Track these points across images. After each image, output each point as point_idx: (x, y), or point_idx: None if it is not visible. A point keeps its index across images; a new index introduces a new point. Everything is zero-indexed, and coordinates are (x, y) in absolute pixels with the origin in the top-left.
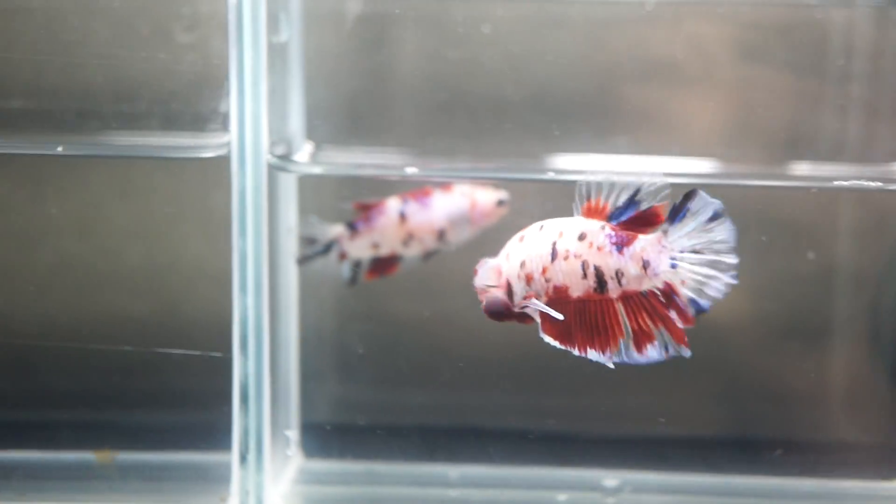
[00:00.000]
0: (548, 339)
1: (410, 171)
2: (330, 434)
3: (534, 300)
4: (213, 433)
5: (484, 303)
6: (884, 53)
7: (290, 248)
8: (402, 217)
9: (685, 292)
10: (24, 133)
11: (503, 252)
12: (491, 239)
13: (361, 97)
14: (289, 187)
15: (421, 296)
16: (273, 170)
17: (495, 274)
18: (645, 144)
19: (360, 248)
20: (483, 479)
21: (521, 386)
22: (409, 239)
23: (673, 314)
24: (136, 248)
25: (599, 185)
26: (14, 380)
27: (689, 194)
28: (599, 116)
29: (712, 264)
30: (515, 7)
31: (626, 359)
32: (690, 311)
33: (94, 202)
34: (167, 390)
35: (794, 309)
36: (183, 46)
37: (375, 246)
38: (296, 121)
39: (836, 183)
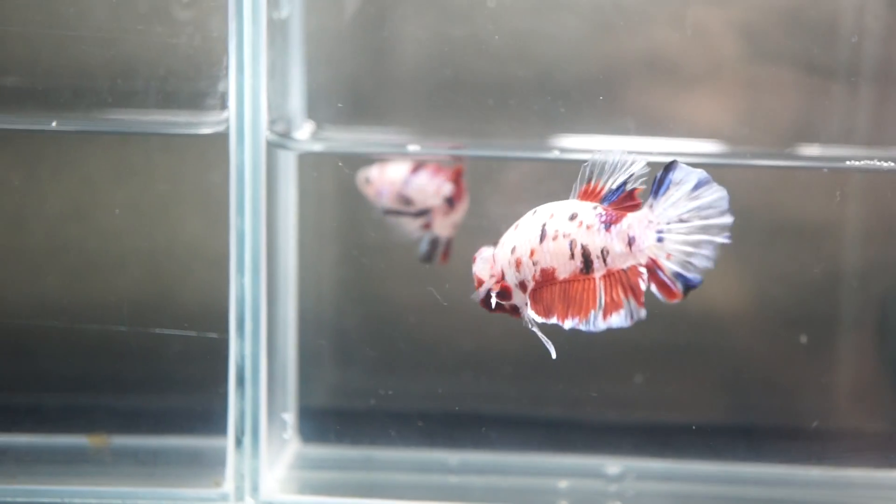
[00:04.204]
0: (532, 314)
1: (412, 148)
2: (327, 419)
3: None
4: (209, 417)
5: (481, 294)
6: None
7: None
8: None
9: (670, 266)
10: (18, 111)
11: (501, 240)
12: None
13: (364, 76)
14: (288, 167)
15: (421, 279)
16: (272, 147)
17: (489, 264)
18: (652, 126)
19: (445, 227)
20: (483, 466)
21: (522, 372)
22: None
23: (655, 289)
24: (132, 229)
25: (602, 169)
26: (8, 362)
27: (670, 165)
28: (605, 97)
29: (702, 230)
30: None
31: (592, 328)
32: (678, 287)
33: (89, 183)
34: (163, 373)
35: (800, 298)
36: (181, 22)
37: (456, 227)
38: (296, 100)
39: (848, 163)
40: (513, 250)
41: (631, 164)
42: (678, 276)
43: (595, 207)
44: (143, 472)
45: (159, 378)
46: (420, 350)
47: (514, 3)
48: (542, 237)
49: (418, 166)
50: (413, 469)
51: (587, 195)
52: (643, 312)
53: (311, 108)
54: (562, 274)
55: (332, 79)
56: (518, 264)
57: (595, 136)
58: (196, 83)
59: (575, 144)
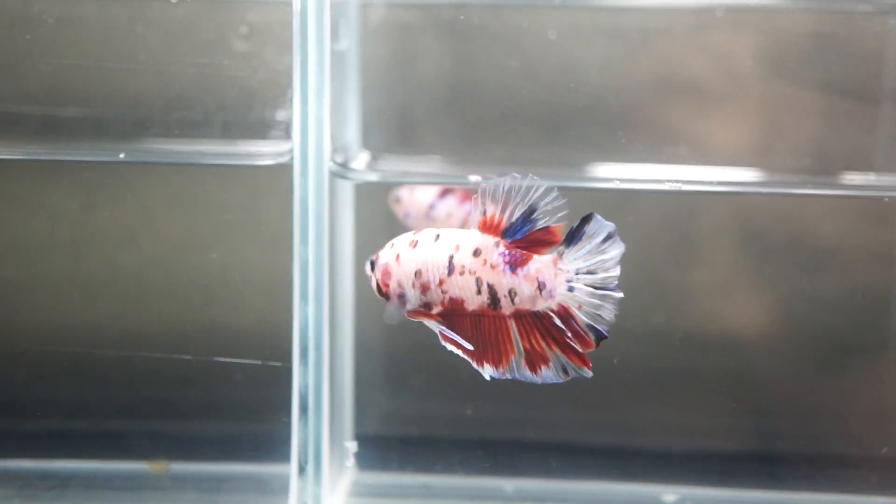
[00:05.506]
0: (451, 347)
1: (474, 179)
2: (384, 446)
3: (434, 323)
4: (270, 444)
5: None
6: None
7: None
8: None
9: (583, 317)
10: (80, 141)
11: (391, 251)
12: None
13: (417, 106)
14: (346, 196)
15: None
16: (333, 177)
17: (384, 273)
18: (700, 154)
19: None
20: (540, 493)
21: (578, 399)
22: None
23: (570, 338)
24: (188, 257)
25: (496, 199)
26: (68, 390)
27: (586, 218)
28: (657, 126)
29: (604, 282)
30: (573, 16)
31: (518, 376)
32: (590, 337)
33: (147, 211)
34: (222, 401)
35: (848, 323)
36: (243, 54)
37: None
38: (353, 130)
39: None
40: (418, 273)
41: (529, 192)
42: (590, 327)
43: (497, 244)
44: (206, 500)
45: (219, 405)
46: (475, 376)
47: (566, 33)
48: (451, 270)
49: (446, 191)
50: (469, 496)
51: (486, 227)
52: (588, 373)
53: (365, 138)
54: (470, 305)
55: (387, 108)
56: (425, 289)
57: (647, 165)
58: (260, 114)
59: (627, 173)
